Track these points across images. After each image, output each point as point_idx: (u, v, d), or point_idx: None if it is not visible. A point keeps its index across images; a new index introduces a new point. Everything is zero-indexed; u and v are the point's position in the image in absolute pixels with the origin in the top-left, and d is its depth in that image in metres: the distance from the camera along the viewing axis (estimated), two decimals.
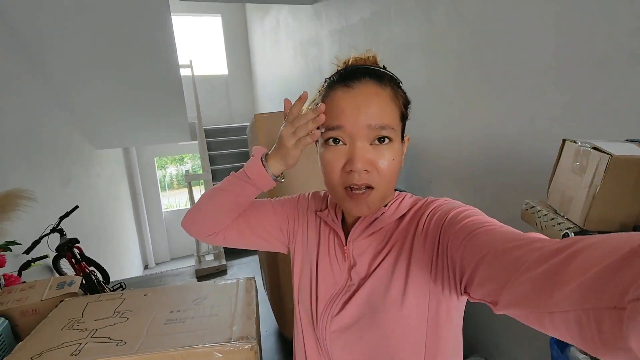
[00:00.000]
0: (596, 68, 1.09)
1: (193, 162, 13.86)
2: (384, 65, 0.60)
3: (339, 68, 0.60)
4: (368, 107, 0.52)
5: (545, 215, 0.94)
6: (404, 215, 0.59)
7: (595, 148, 0.81)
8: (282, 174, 0.65)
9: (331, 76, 0.59)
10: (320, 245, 0.67)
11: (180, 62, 3.80)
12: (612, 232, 0.83)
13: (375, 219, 0.60)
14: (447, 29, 1.67)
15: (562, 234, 0.85)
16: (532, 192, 1.32)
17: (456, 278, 0.47)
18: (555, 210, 0.94)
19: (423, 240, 0.53)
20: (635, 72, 1.00)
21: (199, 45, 6.73)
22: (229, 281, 1.36)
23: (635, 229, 0.79)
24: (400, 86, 0.59)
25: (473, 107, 1.59)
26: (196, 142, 5.02)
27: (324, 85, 0.60)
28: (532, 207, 1.00)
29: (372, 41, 2.40)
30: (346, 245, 0.62)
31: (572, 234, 0.80)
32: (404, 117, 0.58)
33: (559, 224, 0.88)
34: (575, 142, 0.88)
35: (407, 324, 0.53)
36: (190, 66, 5.13)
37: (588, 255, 0.28)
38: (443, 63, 1.73)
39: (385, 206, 0.60)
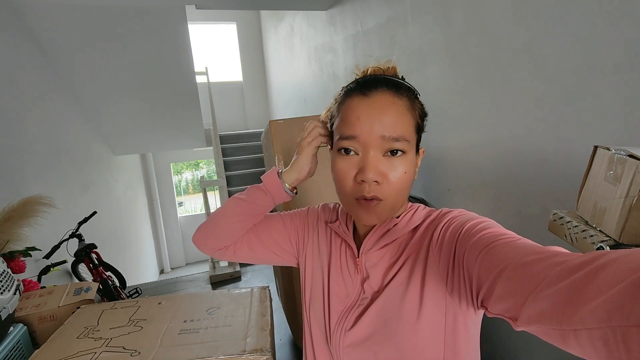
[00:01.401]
0: (613, 74, 1.04)
1: (208, 167, 14.06)
2: (402, 77, 0.59)
3: (358, 77, 0.59)
4: (383, 116, 0.52)
5: (576, 226, 0.88)
6: (417, 227, 0.58)
7: (631, 156, 0.76)
8: (295, 187, 0.69)
9: (349, 84, 0.59)
10: (331, 257, 0.66)
11: (196, 69, 3.86)
12: None
13: (388, 230, 0.58)
14: (466, 33, 1.63)
15: (595, 247, 0.79)
16: (556, 200, 1.26)
17: (472, 291, 0.46)
18: (587, 221, 0.88)
19: (438, 252, 0.52)
20: None
21: (215, 52, 6.84)
22: (243, 290, 1.34)
23: None
24: (418, 98, 0.58)
25: (493, 113, 1.53)
26: (211, 147, 5.08)
27: (340, 93, 0.60)
28: (560, 218, 0.95)
29: (388, 47, 2.38)
30: (359, 257, 0.61)
31: (608, 247, 0.74)
32: (419, 129, 0.57)
33: (592, 236, 0.83)
34: (608, 149, 0.83)
35: (423, 338, 0.52)
36: (205, 73, 5.20)
37: (613, 271, 0.27)
38: (462, 68, 1.69)
39: (398, 217, 0.59)
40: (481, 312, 0.52)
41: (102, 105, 3.63)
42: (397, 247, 0.58)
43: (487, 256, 0.42)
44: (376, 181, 0.52)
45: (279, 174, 0.67)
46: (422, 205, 0.61)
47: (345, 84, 0.60)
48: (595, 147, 0.87)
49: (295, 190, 0.69)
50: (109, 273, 2.89)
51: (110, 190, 4.12)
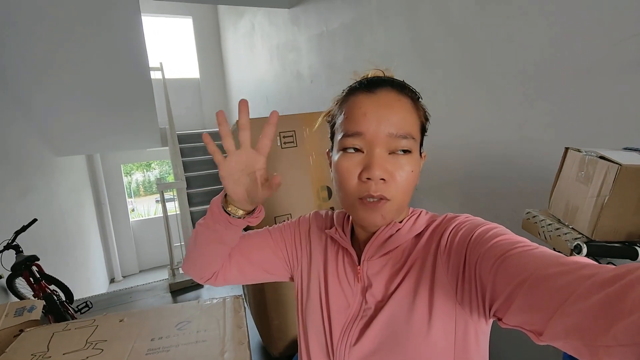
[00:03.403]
0: (585, 76, 1.11)
1: (161, 167, 13.37)
2: (404, 80, 0.58)
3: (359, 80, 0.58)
4: (390, 113, 0.50)
5: (550, 225, 0.92)
6: (421, 233, 0.56)
7: (602, 157, 0.80)
8: (251, 212, 0.59)
9: (352, 85, 0.56)
10: (327, 267, 0.62)
11: (150, 64, 3.62)
12: (620, 242, 0.83)
13: (391, 235, 0.55)
14: (433, 36, 1.67)
15: (570, 244, 0.83)
16: (523, 199, 1.32)
17: (485, 301, 0.44)
18: (559, 220, 0.93)
19: (446, 259, 0.50)
20: (623, 81, 1.02)
21: (170, 47, 6.49)
22: (215, 301, 1.26)
23: None
24: (420, 100, 0.57)
25: (460, 114, 1.58)
26: (166, 148, 4.80)
27: (342, 94, 0.57)
28: (534, 217, 0.99)
29: (354, 47, 2.38)
30: (359, 264, 0.57)
31: (583, 244, 0.78)
32: (423, 130, 0.56)
33: (565, 234, 0.87)
34: (579, 150, 0.87)
35: (434, 350, 0.49)
36: (160, 69, 4.91)
37: None
38: (429, 71, 1.72)
39: (401, 222, 0.56)
40: (491, 321, 0.50)
41: (43, 103, 3.27)
42: (401, 254, 0.56)
43: (502, 266, 0.41)
44: (383, 179, 0.50)
45: (225, 199, 0.58)
46: (424, 210, 0.59)
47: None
48: (566, 149, 0.92)
49: (248, 216, 0.59)
50: (53, 287, 2.62)
51: (52, 195, 3.74)
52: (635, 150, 0.88)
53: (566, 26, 1.13)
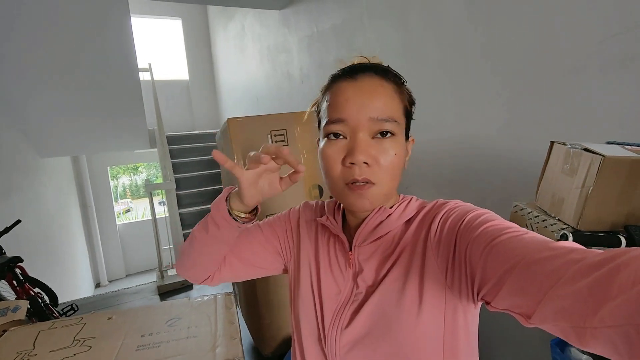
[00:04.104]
0: (569, 74, 1.14)
1: (149, 171, 13.17)
2: (388, 66, 0.59)
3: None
4: (372, 98, 0.51)
5: (537, 216, 0.94)
6: (411, 219, 0.57)
7: (586, 149, 0.82)
8: (252, 212, 0.59)
9: (336, 72, 0.58)
10: (319, 254, 0.63)
11: (139, 65, 3.58)
12: (604, 231, 0.85)
13: (382, 221, 0.56)
14: (423, 35, 1.70)
15: (556, 234, 0.85)
16: (510, 192, 1.35)
17: (474, 286, 0.45)
18: (546, 211, 0.95)
19: (437, 245, 0.51)
20: (606, 79, 1.05)
21: (159, 49, 6.43)
22: (206, 298, 1.25)
23: (625, 228, 0.81)
24: (405, 85, 0.58)
25: (450, 112, 1.61)
26: (154, 149, 4.74)
27: (327, 83, 0.59)
28: (522, 209, 1.01)
29: (345, 48, 2.40)
30: (351, 250, 0.58)
31: (569, 234, 0.80)
32: (408, 114, 0.57)
33: (552, 225, 0.89)
34: (564, 144, 0.90)
35: (424, 332, 0.50)
36: (149, 70, 4.86)
37: (635, 269, 0.26)
38: (419, 71, 1.75)
39: (391, 208, 0.57)
40: (479, 305, 0.51)
41: (26, 100, 3.20)
42: (391, 240, 0.56)
43: (492, 251, 0.41)
44: (366, 163, 0.51)
45: (228, 199, 0.57)
46: (415, 197, 0.60)
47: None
48: (552, 143, 0.94)
49: (251, 216, 0.59)
50: (37, 290, 2.55)
51: (37, 197, 3.66)
52: (618, 143, 0.91)
53: (551, 26, 1.17)
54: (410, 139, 0.58)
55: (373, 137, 0.51)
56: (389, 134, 0.52)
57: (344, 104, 0.52)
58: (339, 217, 0.63)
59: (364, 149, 0.50)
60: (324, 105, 0.56)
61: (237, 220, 0.57)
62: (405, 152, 0.55)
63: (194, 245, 0.63)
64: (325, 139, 0.54)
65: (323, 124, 0.55)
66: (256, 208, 0.60)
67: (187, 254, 0.65)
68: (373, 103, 0.51)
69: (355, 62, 0.58)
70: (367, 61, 0.58)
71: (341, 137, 0.52)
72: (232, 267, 0.67)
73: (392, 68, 0.58)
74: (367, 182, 0.51)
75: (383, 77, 0.54)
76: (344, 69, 0.56)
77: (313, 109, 0.63)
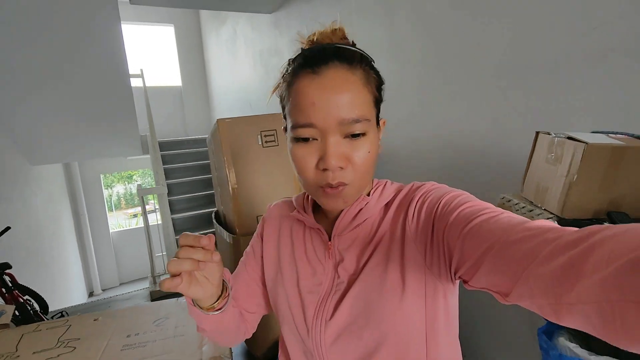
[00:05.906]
0: (553, 68, 1.15)
1: (143, 179, 13.10)
2: (353, 41, 0.55)
3: (304, 47, 0.54)
4: (339, 97, 0.47)
5: (523, 207, 0.95)
6: (389, 203, 0.57)
7: (570, 138, 0.83)
8: (217, 302, 0.55)
9: (295, 57, 0.53)
10: (295, 251, 0.62)
11: (131, 71, 3.57)
12: (588, 219, 0.86)
13: (360, 209, 0.56)
14: (410, 34, 1.71)
15: None
16: (499, 185, 1.35)
17: (452, 266, 0.46)
18: (531, 201, 0.95)
19: (415, 228, 0.51)
20: (589, 72, 1.06)
21: (151, 55, 6.43)
22: None
23: (608, 215, 0.82)
24: (373, 66, 0.54)
25: (437, 108, 1.62)
26: (147, 156, 4.71)
27: (287, 70, 0.53)
28: (509, 201, 1.01)
29: None
30: (330, 240, 0.58)
31: (556, 222, 0.80)
32: (378, 102, 0.54)
33: (538, 215, 0.89)
34: (549, 133, 0.90)
35: (408, 315, 0.51)
36: (141, 76, 4.84)
37: (609, 248, 0.27)
38: (406, 69, 1.76)
39: (368, 195, 0.57)
40: (458, 282, 0.52)
41: (16, 107, 3.18)
42: (370, 226, 0.56)
43: (470, 233, 0.42)
44: (340, 167, 0.49)
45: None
46: (389, 181, 0.59)
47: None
48: (537, 133, 0.95)
49: (218, 302, 0.55)
50: (26, 297, 2.51)
51: (27, 204, 3.61)
52: (603, 132, 0.92)
53: (533, 21, 1.18)
54: (381, 122, 0.55)
55: (345, 137, 0.49)
56: (360, 135, 0.49)
57: (310, 108, 0.48)
58: (309, 210, 0.61)
59: (337, 153, 0.48)
60: (288, 105, 0.52)
61: (208, 312, 0.55)
62: (378, 143, 0.54)
63: (209, 335, 0.63)
64: (294, 140, 0.51)
65: (289, 124, 0.51)
66: (221, 292, 0.55)
67: (212, 339, 0.65)
68: (340, 102, 0.47)
69: (316, 39, 0.54)
70: (330, 39, 0.53)
71: (311, 139, 0.50)
72: (250, 317, 0.68)
73: (357, 46, 0.53)
74: (340, 185, 0.50)
75: (349, 67, 0.49)
76: (304, 54, 0.51)
77: (276, 94, 0.58)
